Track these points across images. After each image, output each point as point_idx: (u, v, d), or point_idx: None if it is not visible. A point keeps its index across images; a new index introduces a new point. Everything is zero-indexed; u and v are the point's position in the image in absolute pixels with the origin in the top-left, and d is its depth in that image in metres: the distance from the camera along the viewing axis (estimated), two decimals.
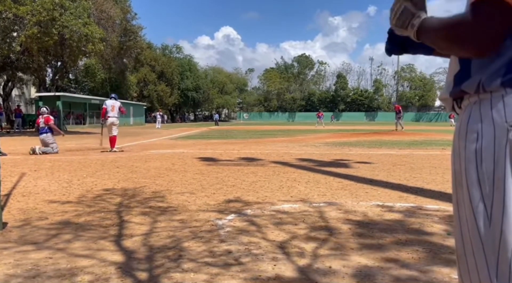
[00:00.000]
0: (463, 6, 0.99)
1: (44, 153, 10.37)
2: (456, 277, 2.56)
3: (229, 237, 3.28)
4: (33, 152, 10.29)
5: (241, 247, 3.02)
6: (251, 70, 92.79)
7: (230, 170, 7.25)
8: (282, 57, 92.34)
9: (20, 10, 19.95)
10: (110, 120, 11.23)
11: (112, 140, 11.18)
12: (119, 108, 11.42)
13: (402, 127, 24.76)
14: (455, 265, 2.66)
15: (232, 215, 4.01)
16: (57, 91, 32.80)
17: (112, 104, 11.35)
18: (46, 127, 10.82)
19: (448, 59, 1.08)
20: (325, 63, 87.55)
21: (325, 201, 4.64)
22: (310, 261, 2.74)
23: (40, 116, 11.20)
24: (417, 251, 2.92)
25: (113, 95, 11.95)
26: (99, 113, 38.92)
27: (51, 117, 11.23)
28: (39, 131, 10.96)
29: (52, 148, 10.68)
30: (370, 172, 6.95)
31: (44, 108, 11.60)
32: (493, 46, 0.85)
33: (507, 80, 0.87)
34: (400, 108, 26.65)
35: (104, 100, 13.40)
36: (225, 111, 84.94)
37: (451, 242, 3.14)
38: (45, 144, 10.68)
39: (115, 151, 11.01)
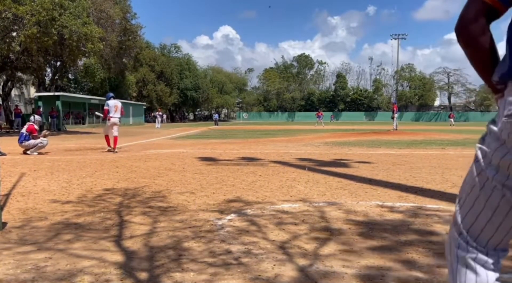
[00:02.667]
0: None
1: (39, 153, 10.30)
2: None
3: (229, 237, 3.28)
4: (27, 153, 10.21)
5: (241, 247, 3.02)
6: (250, 70, 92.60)
7: (230, 170, 7.25)
8: (282, 57, 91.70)
9: (19, 10, 19.91)
10: (112, 120, 11.02)
11: (114, 140, 11.02)
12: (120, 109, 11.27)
13: (394, 127, 24.73)
14: None
15: (232, 214, 4.01)
16: (56, 91, 32.77)
17: (115, 105, 11.15)
18: (25, 135, 10.33)
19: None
20: (325, 63, 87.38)
21: (325, 201, 4.64)
22: (310, 261, 2.74)
23: (27, 123, 10.86)
24: (417, 251, 2.92)
25: (111, 94, 11.67)
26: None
27: (36, 128, 10.75)
28: (19, 139, 10.45)
29: (41, 142, 10.42)
30: (370, 172, 6.95)
31: (32, 117, 11.31)
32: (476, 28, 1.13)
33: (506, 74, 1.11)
34: (396, 107, 26.60)
35: (104, 100, 13.26)
36: (224, 111, 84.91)
37: None
38: (30, 146, 10.29)
39: (116, 152, 10.88)
